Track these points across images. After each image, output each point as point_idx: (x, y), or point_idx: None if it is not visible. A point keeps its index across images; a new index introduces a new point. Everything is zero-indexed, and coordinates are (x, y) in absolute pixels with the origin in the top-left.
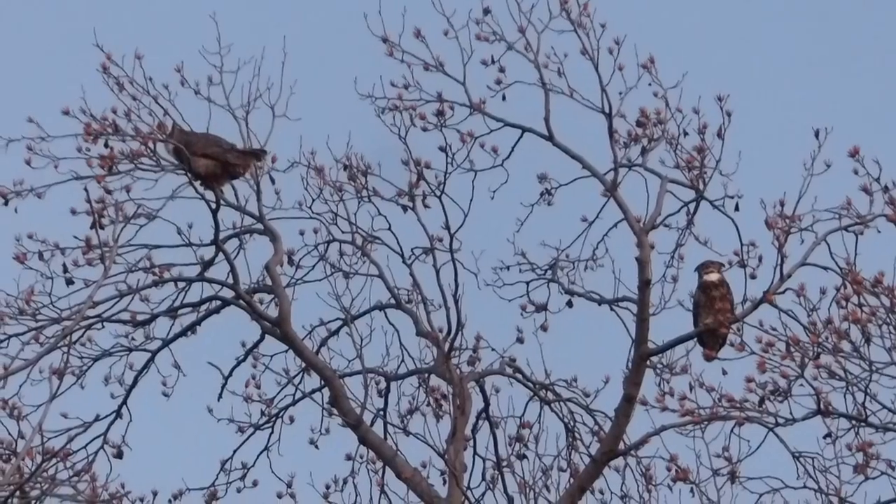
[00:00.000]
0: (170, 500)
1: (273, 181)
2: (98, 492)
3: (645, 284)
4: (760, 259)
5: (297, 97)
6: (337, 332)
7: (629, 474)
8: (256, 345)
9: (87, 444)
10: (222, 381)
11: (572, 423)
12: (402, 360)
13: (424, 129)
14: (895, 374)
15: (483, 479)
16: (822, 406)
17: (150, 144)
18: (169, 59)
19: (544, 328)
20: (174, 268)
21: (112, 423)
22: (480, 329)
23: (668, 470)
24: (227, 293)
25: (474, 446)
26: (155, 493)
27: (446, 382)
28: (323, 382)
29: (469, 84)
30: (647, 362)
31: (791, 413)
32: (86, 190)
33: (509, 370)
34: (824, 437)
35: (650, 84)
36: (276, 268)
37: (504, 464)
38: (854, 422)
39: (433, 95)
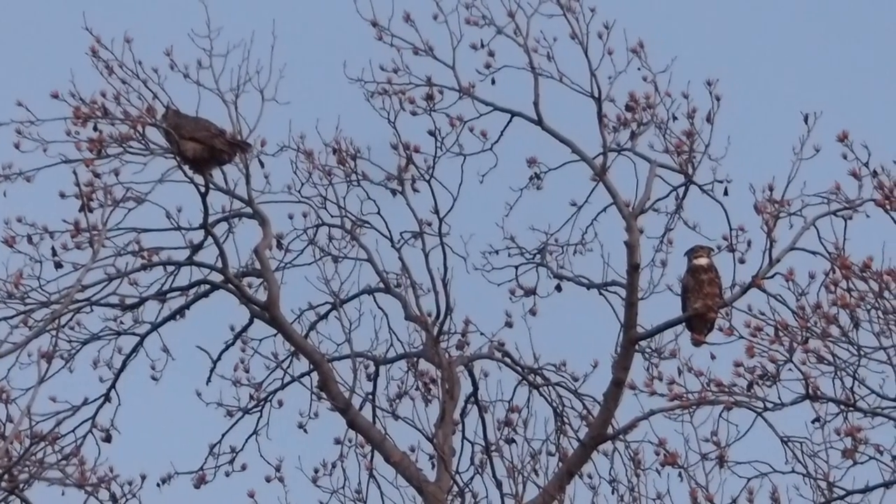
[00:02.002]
0: (158, 484)
1: (262, 165)
2: (86, 475)
3: (634, 269)
4: (749, 243)
5: (286, 81)
6: (326, 316)
7: (618, 458)
8: (245, 329)
9: (75, 428)
10: (211, 364)
11: (561, 408)
12: (391, 345)
13: (413, 114)
14: (883, 359)
15: (472, 463)
16: (810, 391)
17: (139, 128)
18: (158, 43)
19: (533, 312)
20: (163, 251)
21: (100, 406)
22: (469, 313)
23: (657, 454)
24: (216, 277)
25: (463, 430)
26: (143, 477)
27: (435, 367)
28: (312, 366)
29: (458, 68)
30: (636, 347)
31: (779, 398)
32: (74, 173)
33: (498, 354)
34: (813, 422)
35: (639, 68)
36: (265, 252)
37: (493, 448)
38: (842, 406)
39: (422, 79)
